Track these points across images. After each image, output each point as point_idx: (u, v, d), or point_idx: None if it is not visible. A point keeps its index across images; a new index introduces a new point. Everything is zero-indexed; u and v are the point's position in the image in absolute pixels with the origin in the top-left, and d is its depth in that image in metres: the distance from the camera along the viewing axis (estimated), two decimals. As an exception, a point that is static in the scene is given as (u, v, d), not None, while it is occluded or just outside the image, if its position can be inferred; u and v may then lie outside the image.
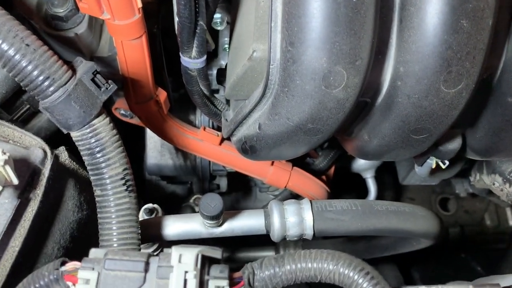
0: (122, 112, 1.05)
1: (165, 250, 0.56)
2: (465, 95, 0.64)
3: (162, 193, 1.50)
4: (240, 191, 1.53)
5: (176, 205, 1.51)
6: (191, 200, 1.54)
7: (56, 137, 0.93)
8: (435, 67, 0.61)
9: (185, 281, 0.52)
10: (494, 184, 0.99)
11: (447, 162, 0.84)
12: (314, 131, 0.68)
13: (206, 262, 0.54)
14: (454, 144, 0.81)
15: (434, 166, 0.85)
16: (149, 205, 0.99)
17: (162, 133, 1.05)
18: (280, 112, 0.68)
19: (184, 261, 0.53)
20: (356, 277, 0.55)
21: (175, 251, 0.53)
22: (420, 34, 0.60)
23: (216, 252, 0.55)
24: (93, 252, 0.57)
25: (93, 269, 0.54)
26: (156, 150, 1.21)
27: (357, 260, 0.57)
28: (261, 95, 0.71)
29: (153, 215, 0.97)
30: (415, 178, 1.28)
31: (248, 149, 0.80)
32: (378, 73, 0.68)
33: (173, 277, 0.52)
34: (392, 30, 0.65)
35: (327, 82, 0.61)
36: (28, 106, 0.90)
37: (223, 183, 1.34)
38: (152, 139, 1.21)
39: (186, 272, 0.52)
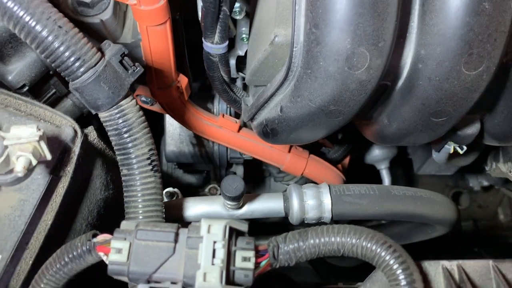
0: (143, 99, 1.08)
1: (193, 223, 0.58)
2: (486, 77, 0.65)
3: (177, 182, 1.52)
4: (254, 181, 1.55)
5: (191, 194, 1.53)
6: (206, 190, 1.56)
7: (79, 123, 0.96)
8: (456, 49, 0.62)
9: (214, 250, 0.54)
10: (511, 172, 1.00)
11: (465, 148, 0.85)
12: (336, 113, 0.70)
13: (233, 234, 0.56)
14: (473, 129, 0.82)
15: (452, 151, 0.86)
16: (170, 189, 1.02)
17: (182, 119, 1.07)
18: (303, 94, 0.70)
19: (213, 231, 0.55)
20: (378, 250, 0.56)
21: (204, 222, 0.55)
22: (442, 16, 0.62)
23: (242, 225, 0.57)
24: (124, 224, 0.59)
25: (125, 239, 0.56)
26: (175, 137, 1.23)
27: (379, 234, 0.58)
28: (284, 78, 0.72)
29: (174, 199, 0.99)
30: (431, 167, 1.29)
31: (269, 132, 0.82)
32: (399, 57, 0.69)
33: (203, 247, 0.54)
34: (413, 14, 0.66)
35: (350, 63, 0.62)
36: (54, 90, 0.92)
37: (239, 171, 1.36)
38: (171, 126, 1.23)
39: (214, 242, 0.54)
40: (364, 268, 1.66)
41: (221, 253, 0.53)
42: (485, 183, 1.70)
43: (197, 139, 1.24)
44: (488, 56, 0.63)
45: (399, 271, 0.55)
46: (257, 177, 1.53)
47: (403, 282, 0.54)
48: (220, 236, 0.54)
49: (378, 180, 1.46)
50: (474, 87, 0.66)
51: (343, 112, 0.70)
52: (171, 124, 1.23)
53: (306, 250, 0.59)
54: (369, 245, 0.57)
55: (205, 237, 0.54)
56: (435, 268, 0.61)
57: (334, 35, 0.61)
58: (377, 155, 1.46)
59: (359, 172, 1.50)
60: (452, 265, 0.61)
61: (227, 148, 1.25)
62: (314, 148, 1.25)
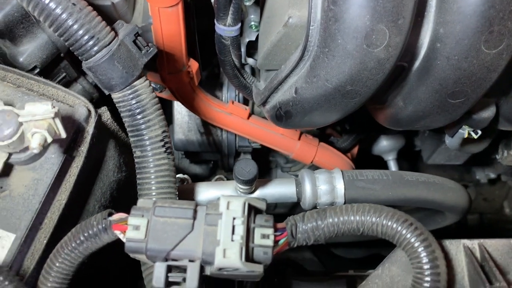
0: (152, 85, 1.06)
1: (210, 201, 0.58)
2: (506, 56, 0.64)
3: (184, 172, 1.51)
4: (261, 171, 1.54)
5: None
6: (213, 180, 1.55)
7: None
8: (476, 27, 0.61)
9: (233, 227, 0.53)
10: (523, 159, 0.99)
11: (479, 132, 0.85)
12: (352, 93, 0.69)
13: (252, 211, 0.56)
14: (488, 113, 0.81)
15: (466, 136, 0.85)
16: (180, 175, 1.01)
17: (192, 106, 1.06)
18: (319, 74, 0.69)
19: (232, 208, 0.54)
20: (399, 228, 0.56)
21: (223, 199, 0.55)
22: (462, -7, 0.61)
23: (260, 203, 0.57)
24: (141, 202, 0.58)
25: (142, 216, 0.55)
26: (183, 126, 1.22)
27: (400, 212, 0.58)
28: (299, 58, 0.71)
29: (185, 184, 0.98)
30: (440, 157, 1.29)
31: (282, 115, 0.81)
32: (416, 36, 0.68)
33: (222, 223, 0.53)
34: (432, -9, 0.65)
35: (369, 40, 0.62)
36: (64, 74, 0.91)
37: (247, 160, 1.35)
38: (179, 114, 1.22)
39: (234, 218, 0.53)
40: (369, 260, 1.65)
41: (240, 230, 0.53)
42: (492, 176, 1.70)
43: (205, 128, 1.23)
44: (509, 34, 0.62)
45: (420, 249, 0.54)
46: (264, 168, 1.52)
47: (425, 260, 0.54)
48: (239, 213, 0.54)
49: (385, 171, 1.44)
50: (494, 66, 0.65)
51: (360, 92, 0.69)
52: (179, 112, 1.22)
53: (324, 229, 0.58)
54: (389, 223, 0.56)
55: (224, 213, 0.54)
56: (456, 247, 0.60)
57: (353, 11, 0.60)
58: (385, 145, 1.45)
59: (367, 164, 1.49)
60: (474, 244, 0.61)
61: (235, 136, 1.24)
62: (322, 138, 1.24)
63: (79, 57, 0.69)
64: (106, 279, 0.83)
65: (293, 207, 1.48)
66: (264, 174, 1.54)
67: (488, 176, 1.70)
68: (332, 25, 0.63)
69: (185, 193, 0.84)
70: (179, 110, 1.21)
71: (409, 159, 1.77)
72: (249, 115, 1.10)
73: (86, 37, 0.66)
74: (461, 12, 0.61)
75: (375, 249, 1.61)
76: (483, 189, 1.87)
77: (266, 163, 1.51)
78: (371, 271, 1.07)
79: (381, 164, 1.49)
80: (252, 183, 0.81)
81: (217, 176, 1.55)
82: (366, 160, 1.46)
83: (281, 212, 1.62)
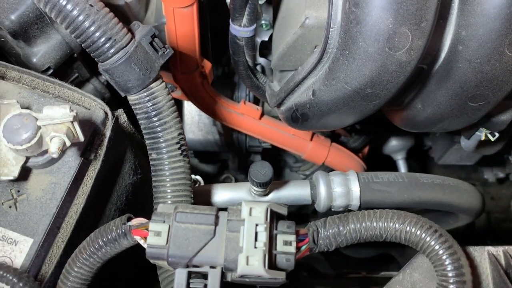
0: (164, 85, 1.06)
1: (230, 206, 0.57)
2: (529, 59, 0.63)
3: (193, 171, 1.51)
4: (270, 171, 1.53)
5: (206, 184, 1.52)
6: (221, 179, 1.55)
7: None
8: (500, 30, 0.60)
9: (256, 233, 0.52)
10: (537, 160, 0.98)
11: (497, 134, 0.84)
12: (372, 96, 0.68)
13: (274, 217, 0.55)
14: (507, 115, 0.80)
15: (483, 138, 0.84)
16: (192, 176, 1.00)
17: (204, 106, 1.05)
18: (338, 77, 0.68)
19: (255, 214, 0.53)
20: (423, 235, 0.55)
21: (245, 205, 0.54)
22: (487, -5, 0.60)
23: (282, 209, 0.56)
24: (162, 207, 0.57)
25: (163, 222, 0.55)
26: (193, 125, 1.22)
27: (424, 219, 0.57)
28: (318, 60, 0.71)
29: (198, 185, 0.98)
30: (452, 157, 1.28)
31: (298, 117, 0.80)
32: (438, 39, 0.67)
33: (244, 230, 0.52)
34: (454, -6, 0.64)
35: (391, 43, 0.61)
36: (76, 74, 0.91)
37: (257, 160, 1.35)
38: (189, 114, 1.21)
39: (257, 225, 0.53)
40: (377, 260, 1.64)
41: (263, 236, 0.52)
42: (501, 175, 1.69)
43: (216, 127, 1.23)
44: (534, 37, 0.61)
45: (445, 256, 0.53)
46: (272, 167, 1.51)
47: (450, 267, 0.53)
48: (262, 219, 0.53)
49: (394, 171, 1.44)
50: (517, 69, 0.64)
51: (379, 95, 0.68)
52: (189, 111, 1.22)
53: (346, 235, 0.57)
54: (413, 230, 0.55)
55: (247, 219, 0.53)
56: (481, 254, 0.60)
57: (376, 14, 0.59)
58: (394, 145, 1.44)
59: (375, 163, 1.48)
60: (498, 250, 0.60)
61: (246, 136, 1.23)
62: (331, 138, 1.24)
63: (96, 59, 0.68)
64: (119, 282, 0.83)
65: (303, 207, 1.47)
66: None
67: (497, 175, 1.69)
68: (353, 27, 0.62)
69: (199, 195, 0.84)
70: (189, 109, 1.21)
71: (418, 158, 1.76)
72: (261, 115, 1.09)
73: (103, 39, 0.65)
74: (485, 15, 0.60)
75: (383, 248, 1.61)
76: (491, 188, 1.86)
77: (275, 162, 1.50)
78: (383, 273, 1.06)
79: (390, 163, 1.48)
80: (267, 186, 0.80)
81: (224, 175, 1.55)
82: (375, 159, 1.45)
83: (290, 210, 1.61)
